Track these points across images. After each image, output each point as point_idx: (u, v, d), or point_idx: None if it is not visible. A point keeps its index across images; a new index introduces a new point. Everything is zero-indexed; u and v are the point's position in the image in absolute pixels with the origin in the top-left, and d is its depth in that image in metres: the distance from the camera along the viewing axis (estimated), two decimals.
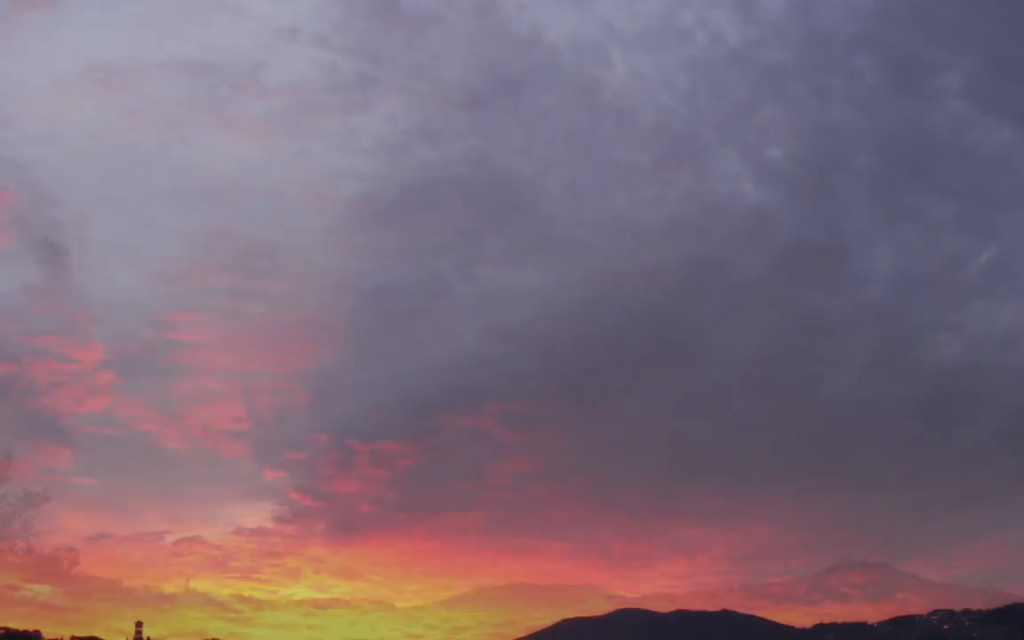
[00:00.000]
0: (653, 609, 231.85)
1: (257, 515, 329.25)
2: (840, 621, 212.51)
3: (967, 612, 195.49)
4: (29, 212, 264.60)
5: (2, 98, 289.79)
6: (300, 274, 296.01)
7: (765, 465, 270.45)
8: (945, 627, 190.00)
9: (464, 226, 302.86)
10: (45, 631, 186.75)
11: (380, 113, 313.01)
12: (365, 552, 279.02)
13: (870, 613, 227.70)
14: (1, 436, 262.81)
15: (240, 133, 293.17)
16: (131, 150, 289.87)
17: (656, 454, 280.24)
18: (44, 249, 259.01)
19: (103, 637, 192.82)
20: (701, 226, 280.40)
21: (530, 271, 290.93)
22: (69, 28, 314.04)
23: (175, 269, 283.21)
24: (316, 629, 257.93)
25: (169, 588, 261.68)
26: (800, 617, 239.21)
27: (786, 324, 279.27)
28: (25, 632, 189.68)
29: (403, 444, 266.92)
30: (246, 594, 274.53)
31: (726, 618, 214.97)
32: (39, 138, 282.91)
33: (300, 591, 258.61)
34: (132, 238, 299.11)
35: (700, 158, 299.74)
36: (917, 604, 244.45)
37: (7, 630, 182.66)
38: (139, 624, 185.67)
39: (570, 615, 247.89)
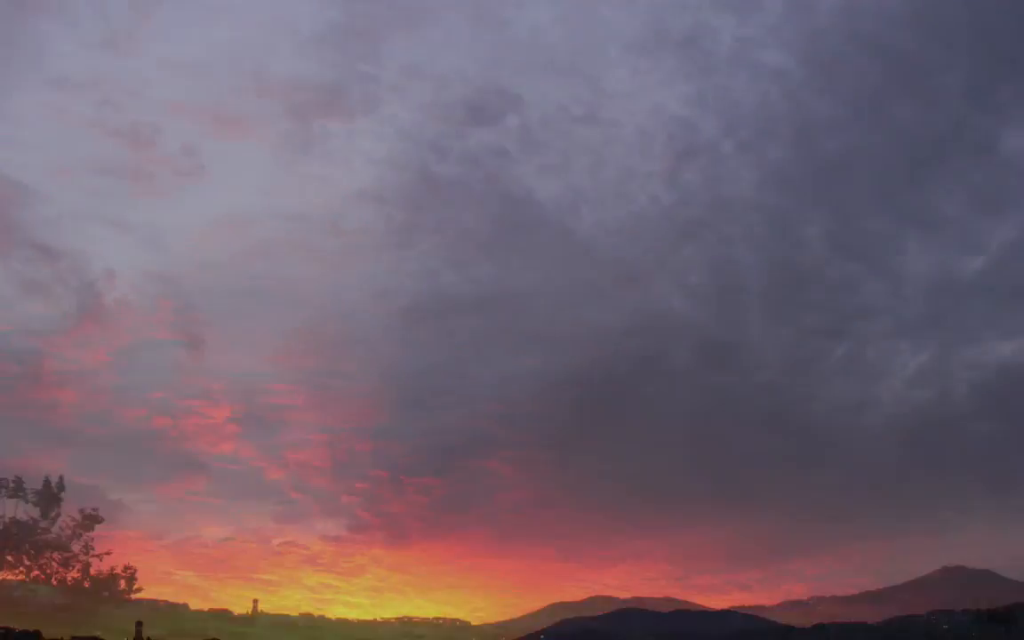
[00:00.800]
0: (616, 596, 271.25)
1: (335, 527, 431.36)
2: (746, 605, 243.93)
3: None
4: (180, 316, 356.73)
5: (164, 236, 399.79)
6: (365, 359, 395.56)
7: (690, 496, 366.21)
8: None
9: (480, 329, 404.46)
10: (191, 604, 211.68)
11: (421, 249, 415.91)
12: (411, 554, 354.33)
13: (765, 598, 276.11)
14: (159, 467, 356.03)
15: (323, 265, 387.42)
16: (249, 277, 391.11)
17: (615, 487, 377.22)
18: (189, 339, 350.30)
19: (229, 608, 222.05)
20: (644, 329, 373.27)
21: (527, 359, 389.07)
22: (208, 192, 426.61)
23: (279, 355, 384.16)
24: (377, 606, 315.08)
25: (274, 576, 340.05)
26: (717, 602, 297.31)
27: (703, 397, 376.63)
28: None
29: (437, 479, 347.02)
30: (328, 582, 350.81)
31: (667, 603, 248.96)
32: (187, 263, 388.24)
33: (365, 581, 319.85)
34: (250, 334, 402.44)
35: (641, 283, 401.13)
36: (800, 592, 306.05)
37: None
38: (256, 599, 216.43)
39: (556, 600, 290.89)
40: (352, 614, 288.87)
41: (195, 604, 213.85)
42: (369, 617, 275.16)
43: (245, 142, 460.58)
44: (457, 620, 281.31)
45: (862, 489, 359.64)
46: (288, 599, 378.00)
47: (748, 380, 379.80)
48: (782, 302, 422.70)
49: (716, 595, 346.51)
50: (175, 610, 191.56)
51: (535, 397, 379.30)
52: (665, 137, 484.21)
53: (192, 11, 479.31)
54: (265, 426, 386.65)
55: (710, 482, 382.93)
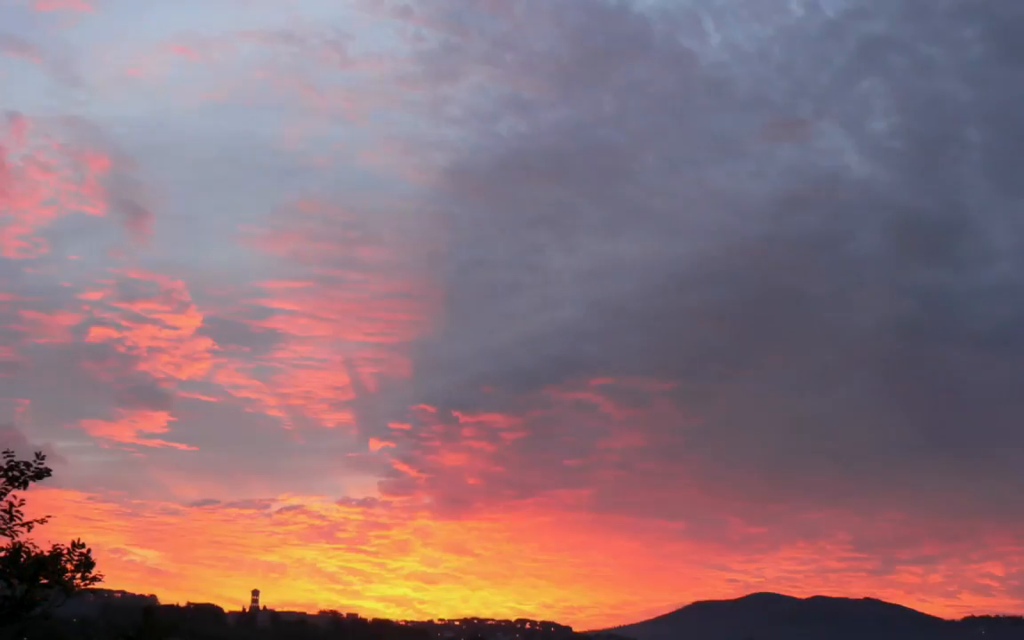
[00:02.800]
0: (787, 594, 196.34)
1: (363, 486, 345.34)
2: (988, 614, 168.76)
3: None
4: (116, 179, 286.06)
5: (89, 68, 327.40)
6: (395, 244, 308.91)
7: (886, 447, 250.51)
8: None
9: (560, 198, 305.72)
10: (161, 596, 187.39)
11: (468, 84, 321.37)
12: (473, 526, 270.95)
13: (1016, 607, 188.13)
14: (100, 400, 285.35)
15: (325, 104, 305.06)
16: (216, 120, 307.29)
17: (771, 434, 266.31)
18: (131, 214, 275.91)
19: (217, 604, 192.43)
20: (808, 200, 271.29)
21: (630, 243, 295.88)
22: (159, 5, 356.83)
23: (268, 240, 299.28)
24: (427, 603, 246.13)
25: (275, 557, 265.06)
26: (942, 608, 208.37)
27: (903, 302, 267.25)
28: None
29: (508, 417, 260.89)
30: (356, 565, 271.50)
31: (869, 606, 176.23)
32: (124, 107, 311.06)
33: (409, 564, 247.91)
34: (222, 211, 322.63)
35: (801, 131, 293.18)
36: None
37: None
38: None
39: (696, 598, 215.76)
40: (395, 613, 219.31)
41: (166, 596, 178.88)
42: (421, 617, 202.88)
43: None
44: (551, 624, 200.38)
45: None
46: (299, 590, 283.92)
47: (970, 277, 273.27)
48: (1017, 161, 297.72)
49: (939, 598, 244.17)
50: (139, 605, 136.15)
51: (645, 298, 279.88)
52: None
53: None
54: (252, 340, 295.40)
55: (915, 426, 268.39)
